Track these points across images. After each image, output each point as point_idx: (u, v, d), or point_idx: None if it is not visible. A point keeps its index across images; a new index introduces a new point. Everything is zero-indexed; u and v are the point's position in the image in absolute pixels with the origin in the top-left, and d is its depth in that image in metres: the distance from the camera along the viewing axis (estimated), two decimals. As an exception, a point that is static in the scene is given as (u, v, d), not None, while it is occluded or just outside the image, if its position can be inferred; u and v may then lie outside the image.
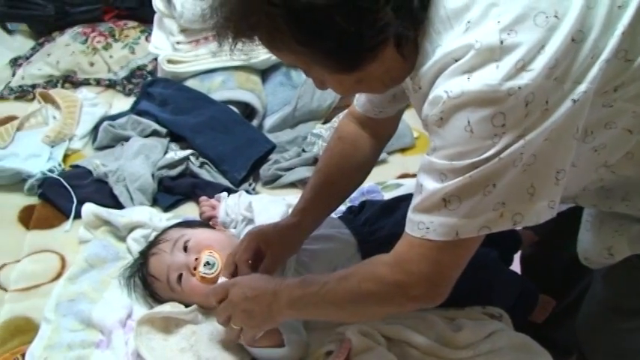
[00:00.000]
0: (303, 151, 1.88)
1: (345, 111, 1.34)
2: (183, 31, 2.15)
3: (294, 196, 1.35)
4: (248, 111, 2.07)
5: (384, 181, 1.75)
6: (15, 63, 2.49)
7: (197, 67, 2.13)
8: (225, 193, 1.63)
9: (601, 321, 1.25)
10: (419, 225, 0.91)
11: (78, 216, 1.64)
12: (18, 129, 2.00)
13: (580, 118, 0.86)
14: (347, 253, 1.34)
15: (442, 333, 1.23)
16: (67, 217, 1.68)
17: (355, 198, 1.63)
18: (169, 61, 2.15)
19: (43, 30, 2.59)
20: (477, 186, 0.85)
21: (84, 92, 2.25)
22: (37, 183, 1.78)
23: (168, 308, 1.30)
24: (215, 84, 2.09)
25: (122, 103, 2.23)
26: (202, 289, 1.27)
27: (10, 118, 2.10)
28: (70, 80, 2.35)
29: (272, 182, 1.82)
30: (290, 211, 1.36)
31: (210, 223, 1.52)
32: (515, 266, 1.52)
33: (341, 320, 1.21)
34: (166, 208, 1.71)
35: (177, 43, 2.16)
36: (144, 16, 2.48)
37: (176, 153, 1.85)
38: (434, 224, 0.89)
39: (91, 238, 1.56)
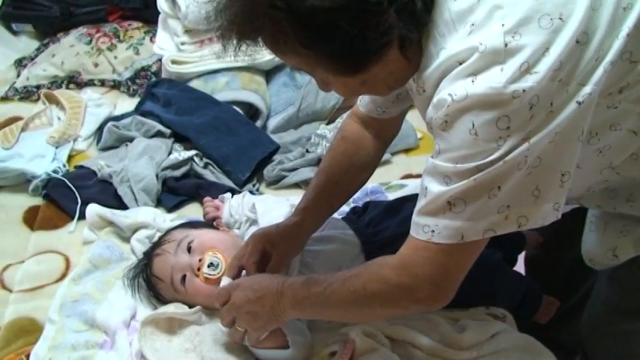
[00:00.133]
0: (307, 151, 1.88)
1: (349, 111, 1.34)
2: (188, 31, 2.15)
3: (297, 197, 1.34)
4: (252, 112, 2.06)
5: (387, 181, 1.75)
6: (20, 64, 2.49)
7: (201, 68, 2.13)
8: (229, 194, 1.63)
9: (605, 322, 1.25)
10: (424, 228, 0.91)
11: (82, 217, 1.64)
12: (23, 130, 2.00)
13: (585, 120, 0.86)
14: (351, 254, 1.34)
15: (446, 334, 1.23)
16: (72, 218, 1.68)
17: (359, 199, 1.63)
18: (173, 62, 2.15)
19: (48, 31, 2.59)
20: (482, 189, 0.85)
21: (88, 93, 2.25)
22: (42, 184, 1.78)
23: (172, 309, 1.30)
24: (219, 85, 2.09)
25: (126, 103, 2.23)
26: (206, 290, 1.28)
27: (15, 119, 2.10)
28: (75, 81, 2.35)
29: (276, 183, 1.82)
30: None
31: (214, 223, 1.52)
32: (520, 267, 1.52)
33: (345, 320, 1.22)
34: (170, 209, 1.71)
35: (182, 43, 2.16)
36: (148, 17, 2.48)
37: (180, 154, 1.85)
38: (439, 227, 0.89)
39: (95, 239, 1.56)
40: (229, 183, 1.79)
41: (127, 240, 1.55)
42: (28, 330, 1.37)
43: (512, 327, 1.29)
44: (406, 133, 1.93)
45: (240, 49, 0.92)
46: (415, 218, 0.93)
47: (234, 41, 0.91)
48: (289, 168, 1.83)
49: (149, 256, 1.39)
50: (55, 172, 1.81)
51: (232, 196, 1.61)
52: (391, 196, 1.65)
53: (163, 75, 2.22)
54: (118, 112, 2.16)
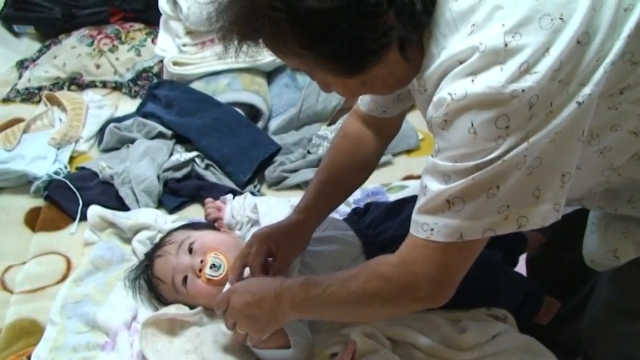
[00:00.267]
0: (309, 152, 1.88)
1: (350, 110, 1.35)
2: (189, 33, 2.16)
3: (299, 198, 1.34)
4: (253, 113, 2.07)
5: (389, 182, 1.75)
6: (21, 65, 2.50)
7: (203, 70, 2.13)
8: (230, 195, 1.63)
9: (606, 323, 1.25)
10: (423, 226, 0.91)
11: (84, 218, 1.64)
12: (24, 131, 2.00)
13: (585, 121, 0.86)
14: (352, 255, 1.34)
15: (447, 335, 1.23)
16: (73, 219, 1.68)
17: (360, 200, 1.63)
18: (175, 63, 2.15)
19: (50, 32, 2.59)
20: (481, 188, 0.85)
21: (90, 94, 2.25)
22: (43, 185, 1.79)
23: (173, 310, 1.30)
24: (220, 86, 2.09)
25: (128, 105, 2.23)
26: (208, 291, 1.28)
27: (17, 121, 2.10)
28: (76, 82, 2.36)
29: (277, 184, 1.82)
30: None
31: (216, 224, 1.52)
32: (521, 268, 1.52)
33: (345, 320, 1.22)
34: (172, 210, 1.72)
35: (183, 45, 2.16)
36: (150, 19, 2.49)
37: (181, 155, 1.85)
38: (438, 225, 0.89)
39: (96, 240, 1.56)
40: (230, 184, 1.79)
41: (128, 241, 1.55)
42: (29, 331, 1.37)
43: (513, 328, 1.29)
44: (407, 133, 1.93)
45: (241, 50, 0.92)
46: (415, 216, 0.93)
47: (235, 42, 0.91)
48: (290, 169, 1.83)
49: (150, 257, 1.39)
50: (56, 173, 1.82)
51: (234, 198, 1.61)
52: (392, 197, 1.65)
53: (165, 76, 2.23)
54: (119, 114, 2.17)
